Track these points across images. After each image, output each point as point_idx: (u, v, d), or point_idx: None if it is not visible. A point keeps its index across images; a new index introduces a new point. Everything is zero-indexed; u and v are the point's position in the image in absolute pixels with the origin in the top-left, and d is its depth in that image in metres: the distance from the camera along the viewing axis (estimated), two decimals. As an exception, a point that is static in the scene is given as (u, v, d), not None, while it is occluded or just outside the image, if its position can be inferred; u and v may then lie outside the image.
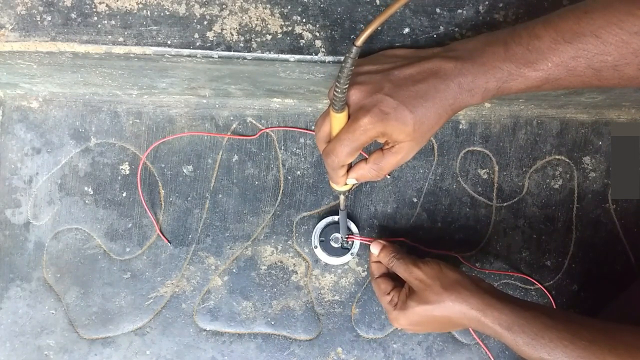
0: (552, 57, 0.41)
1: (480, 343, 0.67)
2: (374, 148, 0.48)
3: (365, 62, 0.46)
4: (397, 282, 0.59)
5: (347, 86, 0.40)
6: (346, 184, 0.52)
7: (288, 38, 0.50)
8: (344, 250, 0.66)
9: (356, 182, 0.50)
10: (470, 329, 0.65)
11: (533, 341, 0.47)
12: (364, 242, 0.66)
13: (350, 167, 0.48)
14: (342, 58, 0.50)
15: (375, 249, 0.61)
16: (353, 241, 0.66)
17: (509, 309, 0.49)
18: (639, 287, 0.65)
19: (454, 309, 0.51)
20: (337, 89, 0.40)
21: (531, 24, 0.42)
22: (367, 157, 0.47)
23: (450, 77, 0.42)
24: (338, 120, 0.43)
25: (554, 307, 0.68)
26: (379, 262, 0.61)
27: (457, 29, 0.51)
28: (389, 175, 0.68)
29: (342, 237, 0.66)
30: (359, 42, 0.35)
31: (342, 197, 0.59)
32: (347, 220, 0.67)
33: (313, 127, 0.68)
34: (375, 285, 0.60)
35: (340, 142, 0.43)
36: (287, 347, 0.68)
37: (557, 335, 0.47)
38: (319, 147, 0.47)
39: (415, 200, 0.69)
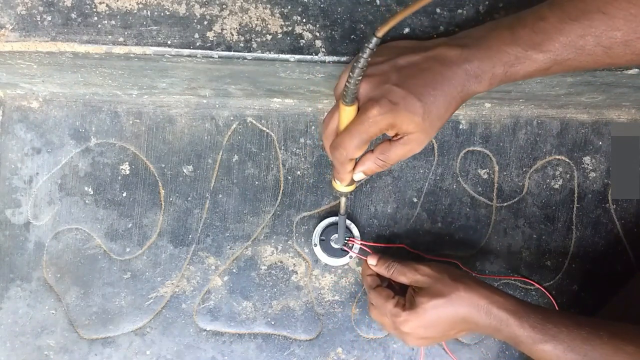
0: (559, 37, 0.40)
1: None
2: (377, 142, 0.48)
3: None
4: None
5: (360, 78, 0.39)
6: (350, 185, 0.51)
7: (288, 38, 0.50)
8: (343, 252, 0.66)
9: (363, 177, 0.49)
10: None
11: (539, 324, 0.50)
12: (363, 247, 0.65)
13: (356, 164, 0.48)
14: (344, 58, 0.50)
15: (372, 260, 0.61)
16: (353, 243, 0.66)
17: (513, 298, 0.52)
18: (638, 286, 0.65)
19: (463, 300, 0.52)
20: (349, 81, 0.39)
21: (537, 7, 0.42)
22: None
23: (457, 63, 0.42)
24: (347, 113, 0.43)
25: (555, 307, 0.68)
26: (373, 275, 0.61)
27: (457, 29, 0.51)
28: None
29: (340, 243, 0.65)
30: (381, 33, 0.34)
31: (343, 200, 0.58)
32: (349, 222, 0.67)
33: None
34: (376, 294, 0.58)
35: (350, 134, 0.43)
36: (287, 347, 0.68)
37: (561, 321, 0.50)
38: (325, 143, 0.47)
39: (415, 200, 0.69)
